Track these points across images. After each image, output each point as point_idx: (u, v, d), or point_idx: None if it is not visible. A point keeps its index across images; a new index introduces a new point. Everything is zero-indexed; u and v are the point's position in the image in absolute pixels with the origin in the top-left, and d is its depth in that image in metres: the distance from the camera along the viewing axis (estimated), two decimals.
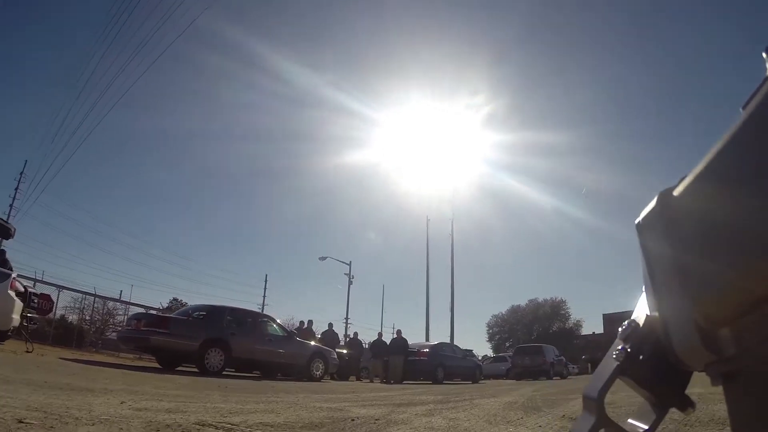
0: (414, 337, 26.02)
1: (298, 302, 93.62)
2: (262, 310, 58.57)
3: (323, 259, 45.85)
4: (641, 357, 0.79)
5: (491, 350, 70.40)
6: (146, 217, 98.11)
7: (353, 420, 4.85)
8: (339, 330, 34.29)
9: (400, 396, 9.43)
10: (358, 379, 22.55)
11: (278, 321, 17.01)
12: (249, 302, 57.43)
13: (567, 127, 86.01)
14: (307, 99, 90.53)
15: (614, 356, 0.80)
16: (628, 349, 0.79)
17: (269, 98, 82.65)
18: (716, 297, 0.63)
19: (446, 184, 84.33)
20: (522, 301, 79.97)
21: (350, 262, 47.21)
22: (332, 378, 19.92)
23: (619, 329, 0.82)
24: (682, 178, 0.71)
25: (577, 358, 53.54)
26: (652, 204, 0.76)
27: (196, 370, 13.91)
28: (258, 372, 16.41)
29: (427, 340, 34.38)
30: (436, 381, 21.53)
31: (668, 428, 4.12)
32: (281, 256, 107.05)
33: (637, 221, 0.80)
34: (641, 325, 0.80)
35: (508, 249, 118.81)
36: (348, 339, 28.08)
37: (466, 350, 29.33)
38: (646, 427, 0.79)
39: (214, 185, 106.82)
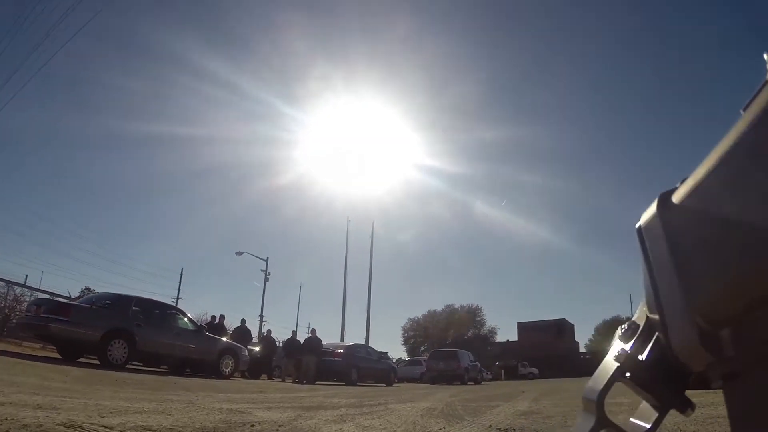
0: (330, 338, 25.68)
1: (215, 298, 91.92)
2: (177, 304, 56.87)
3: (240, 254, 44.78)
4: (641, 358, 0.79)
5: (406, 353, 70.76)
6: (64, 203, 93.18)
7: (252, 426, 4.33)
8: (253, 327, 33.47)
9: (310, 398, 8.94)
10: (269, 378, 21.88)
11: (188, 314, 16.18)
12: (164, 295, 55.58)
13: (493, 133, 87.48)
14: (233, 98, 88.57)
15: (614, 357, 0.80)
16: (629, 351, 0.80)
17: (192, 95, 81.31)
18: (716, 298, 0.64)
19: (370, 186, 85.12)
20: (438, 306, 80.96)
21: (267, 258, 46.53)
22: (243, 376, 19.34)
23: (619, 331, 0.84)
24: (683, 181, 0.72)
25: (491, 365, 54.41)
26: (653, 207, 0.77)
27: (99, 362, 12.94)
28: (166, 367, 15.59)
29: (343, 340, 33.98)
30: (350, 382, 21.05)
31: None
32: (199, 251, 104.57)
33: (637, 225, 0.80)
34: (641, 326, 0.82)
35: (427, 253, 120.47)
36: (261, 336, 27.18)
37: (381, 352, 29.13)
38: (646, 428, 0.80)
39: (136, 177, 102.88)
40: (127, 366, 13.24)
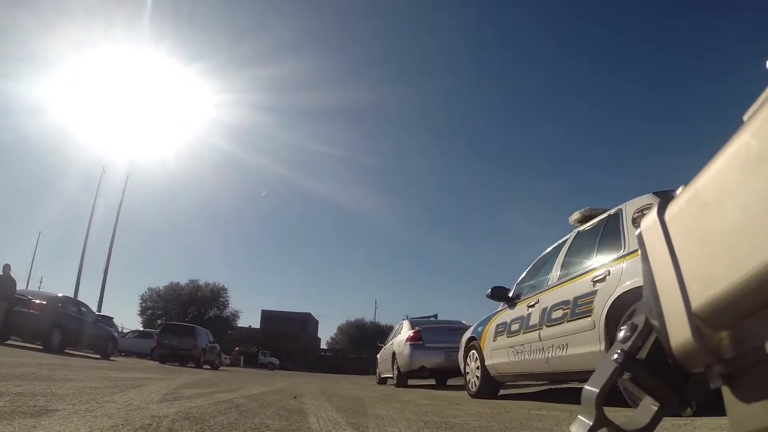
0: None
1: None
2: None
3: None
4: (640, 358, 0.85)
5: (141, 325, 63.52)
6: None
7: None
8: None
9: None
10: None
11: None
12: None
13: (280, 91, 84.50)
14: None
15: (614, 357, 0.86)
16: (628, 351, 0.86)
17: None
18: (716, 301, 0.66)
19: (132, 138, 76.62)
20: (183, 280, 74.49)
21: None
22: None
23: (619, 332, 0.90)
24: (684, 185, 0.75)
25: (231, 349, 51.32)
26: (653, 212, 0.83)
27: None
28: None
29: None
30: (50, 347, 15.48)
31: None
32: None
33: (637, 231, 0.88)
34: (641, 327, 0.86)
35: (182, 222, 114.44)
36: None
37: (103, 316, 23.70)
38: (645, 427, 0.85)
39: None
40: None
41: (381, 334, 67.47)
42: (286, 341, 72.37)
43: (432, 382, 14.85)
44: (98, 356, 18.25)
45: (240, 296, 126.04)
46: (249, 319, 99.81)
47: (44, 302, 16.15)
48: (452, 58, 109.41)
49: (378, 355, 18.07)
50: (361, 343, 75.19)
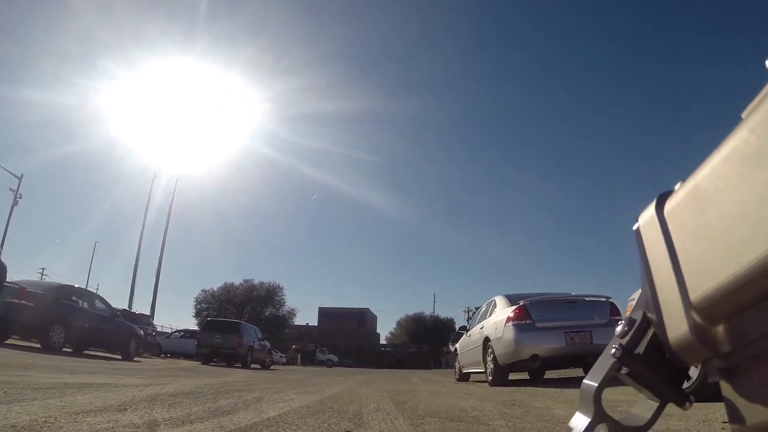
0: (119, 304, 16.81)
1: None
2: None
3: None
4: (638, 353, 0.83)
5: (197, 326, 62.14)
6: None
7: None
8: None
9: None
10: None
11: None
12: None
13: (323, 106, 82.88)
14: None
15: (612, 352, 0.84)
16: (626, 345, 0.84)
17: None
18: (714, 296, 0.66)
19: (182, 144, 77.43)
20: (237, 280, 73.01)
21: (21, 176, 37.82)
22: None
23: (617, 327, 0.88)
24: (682, 182, 0.74)
25: (288, 347, 50.26)
26: (651, 208, 0.80)
27: None
28: None
29: (131, 306, 28.57)
30: (49, 345, 12.56)
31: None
32: None
33: (635, 226, 0.84)
34: (638, 321, 0.85)
35: (235, 225, 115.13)
36: None
37: (139, 314, 20.79)
38: (644, 422, 0.84)
39: None
40: None
41: (441, 327, 63.89)
42: (344, 337, 70.61)
43: (523, 376, 11.39)
44: (118, 357, 15.18)
45: (297, 295, 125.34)
46: (307, 317, 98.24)
47: (40, 292, 12.96)
48: (472, 68, 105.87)
49: (457, 345, 14.13)
50: (421, 338, 73.68)
